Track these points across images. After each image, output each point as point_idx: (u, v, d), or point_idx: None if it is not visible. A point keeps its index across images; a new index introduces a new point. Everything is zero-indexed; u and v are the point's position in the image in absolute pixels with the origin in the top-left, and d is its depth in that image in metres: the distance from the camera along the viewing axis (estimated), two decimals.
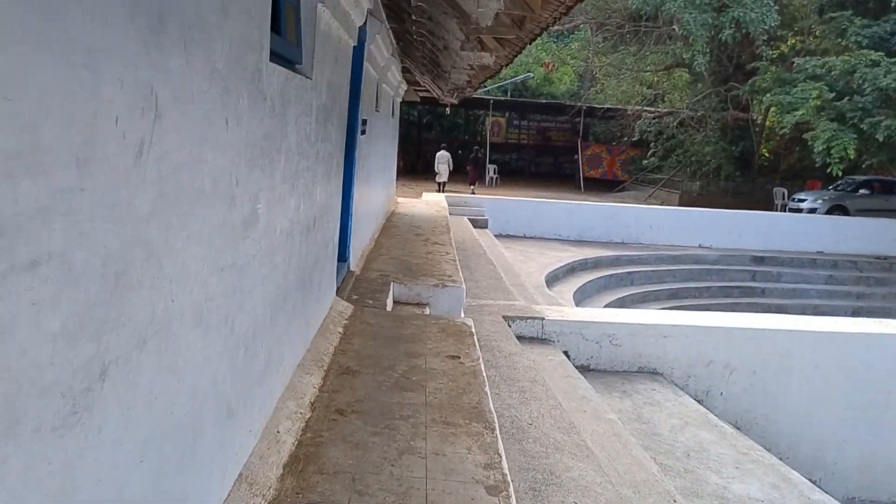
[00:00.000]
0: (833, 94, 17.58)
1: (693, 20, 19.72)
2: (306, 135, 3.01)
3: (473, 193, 19.56)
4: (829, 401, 6.40)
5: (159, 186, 1.38)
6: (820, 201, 19.76)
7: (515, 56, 5.20)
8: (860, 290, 14.78)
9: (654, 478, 3.60)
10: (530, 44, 4.46)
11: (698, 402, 5.86)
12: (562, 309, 6.83)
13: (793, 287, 14.50)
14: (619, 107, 26.19)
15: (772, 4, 19.41)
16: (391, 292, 5.12)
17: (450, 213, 11.61)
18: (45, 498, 1.03)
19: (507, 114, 32.39)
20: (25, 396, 0.96)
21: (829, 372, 6.36)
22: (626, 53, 25.88)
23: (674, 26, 21.59)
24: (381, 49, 6.08)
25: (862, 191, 20.14)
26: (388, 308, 4.85)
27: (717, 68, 23.46)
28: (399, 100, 11.50)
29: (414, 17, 5.18)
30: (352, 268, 5.51)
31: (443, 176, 21.09)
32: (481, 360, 3.70)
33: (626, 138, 25.90)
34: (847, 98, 17.40)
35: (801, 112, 17.70)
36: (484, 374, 3.48)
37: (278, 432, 2.52)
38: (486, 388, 3.27)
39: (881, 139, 16.50)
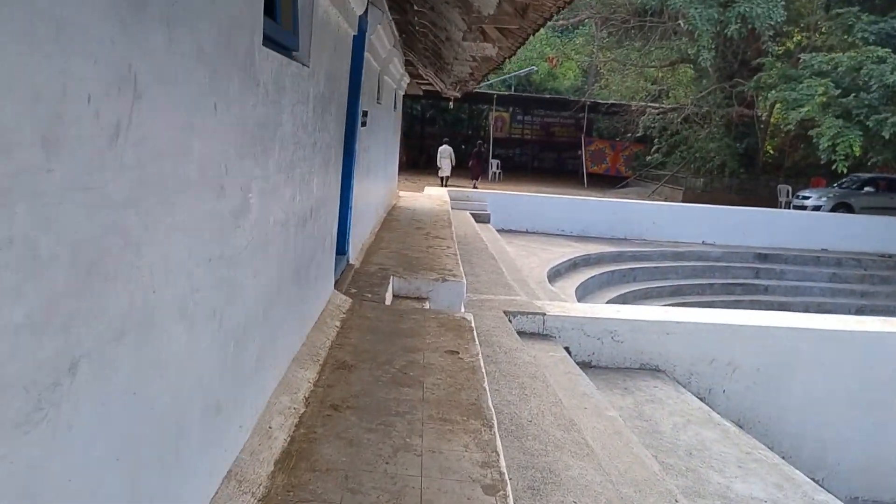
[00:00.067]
0: (839, 91, 17.45)
1: (699, 15, 19.59)
2: (303, 124, 2.94)
3: (475, 188, 19.48)
4: (832, 399, 6.33)
5: (139, 171, 1.31)
6: (824, 199, 19.65)
7: (518, 47, 5.12)
8: (864, 289, 14.68)
9: (656, 477, 3.54)
10: (534, 34, 4.38)
11: (700, 399, 5.79)
12: (563, 304, 6.76)
13: (796, 285, 14.42)
14: (624, 102, 26.05)
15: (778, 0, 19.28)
16: (391, 286, 5.05)
17: (452, 208, 11.53)
18: (7, 498, 0.96)
19: (510, 109, 32.28)
20: None
21: (833, 370, 6.29)
22: (630, 49, 25.76)
23: (679, 21, 21.44)
24: (382, 40, 6.00)
25: (867, 188, 20.03)
26: (388, 302, 4.78)
27: (723, 64, 23.32)
28: (402, 93, 11.41)
29: (416, 7, 5.10)
30: (351, 261, 5.45)
31: (445, 170, 21.00)
32: (480, 355, 3.64)
33: (629, 134, 25.81)
34: (853, 95, 17.28)
35: (806, 109, 17.58)
36: (483, 369, 3.42)
37: (270, 428, 2.46)
38: (485, 385, 3.21)
39: (887, 136, 16.38)
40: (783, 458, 5.18)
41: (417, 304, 5.06)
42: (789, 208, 20.08)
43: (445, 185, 18.74)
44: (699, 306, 10.07)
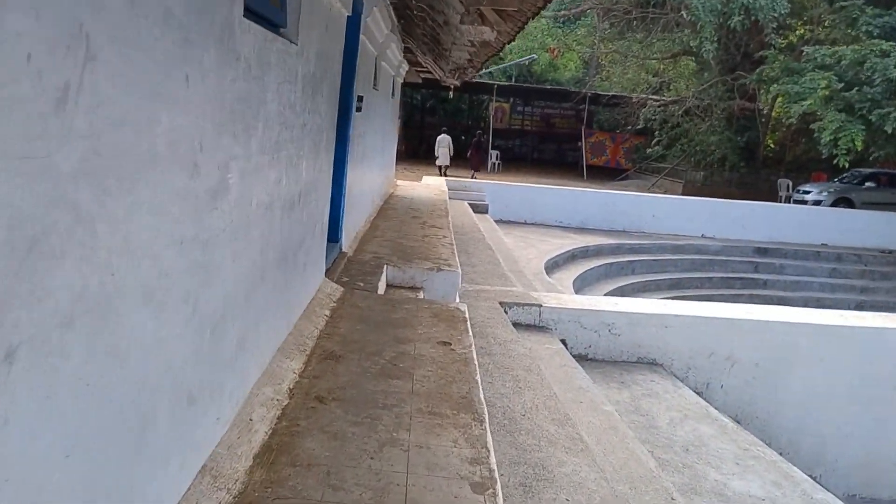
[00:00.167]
0: (842, 85, 17.28)
1: (702, 6, 19.40)
2: (290, 103, 2.82)
3: (474, 178, 19.35)
4: (831, 395, 6.26)
5: (92, 140, 1.19)
6: (825, 193, 19.54)
7: (517, 31, 4.99)
8: (864, 284, 14.60)
9: (652, 473, 3.44)
10: (533, 17, 4.25)
11: (698, 394, 5.70)
12: (560, 296, 6.66)
13: (796, 279, 14.33)
14: (625, 94, 25.83)
15: None
16: (384, 275, 4.94)
17: (450, 198, 11.40)
18: None
19: (510, 99, 32.03)
20: None
21: (832, 366, 6.21)
22: (632, 40, 25.53)
23: (682, 13, 21.24)
24: (378, 23, 5.86)
25: (868, 183, 19.91)
26: (381, 291, 4.67)
27: (725, 56, 23.12)
28: (400, 80, 11.25)
29: None
30: (344, 249, 5.33)
31: (442, 160, 20.83)
32: (473, 346, 3.53)
33: (630, 126, 25.60)
34: (856, 89, 17.11)
35: (808, 102, 17.42)
36: (476, 361, 3.31)
37: (251, 420, 2.35)
38: (478, 377, 3.10)
39: (889, 131, 16.23)
40: (781, 454, 5.09)
41: (411, 293, 4.95)
42: (789, 202, 19.97)
43: (444, 175, 18.60)
44: (698, 300, 9.96)
